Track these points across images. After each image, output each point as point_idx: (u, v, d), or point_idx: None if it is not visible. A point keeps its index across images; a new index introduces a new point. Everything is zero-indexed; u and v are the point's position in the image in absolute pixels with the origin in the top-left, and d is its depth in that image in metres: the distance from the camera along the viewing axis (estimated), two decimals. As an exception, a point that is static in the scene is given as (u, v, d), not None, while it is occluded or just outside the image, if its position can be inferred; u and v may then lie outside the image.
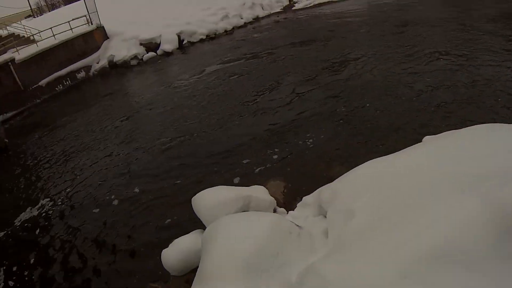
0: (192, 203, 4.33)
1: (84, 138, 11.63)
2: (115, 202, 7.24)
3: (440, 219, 2.52)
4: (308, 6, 24.95)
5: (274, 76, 11.45)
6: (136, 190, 7.38)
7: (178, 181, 7.21)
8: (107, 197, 7.49)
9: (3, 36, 21.54)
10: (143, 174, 7.91)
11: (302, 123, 8.08)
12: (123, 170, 8.41)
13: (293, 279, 3.17)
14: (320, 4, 24.69)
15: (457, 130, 3.91)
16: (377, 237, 2.76)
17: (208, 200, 4.17)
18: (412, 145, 4.00)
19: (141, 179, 7.75)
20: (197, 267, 4.06)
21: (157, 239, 5.77)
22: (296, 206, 4.47)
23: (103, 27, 21.78)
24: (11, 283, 5.99)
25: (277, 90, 10.29)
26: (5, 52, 19.46)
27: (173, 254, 4.12)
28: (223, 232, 3.36)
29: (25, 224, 7.72)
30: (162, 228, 6.04)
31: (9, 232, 7.64)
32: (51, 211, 7.82)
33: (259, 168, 6.77)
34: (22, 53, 19.08)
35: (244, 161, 7.08)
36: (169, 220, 6.20)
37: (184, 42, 21.27)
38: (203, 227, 4.38)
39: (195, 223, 5.05)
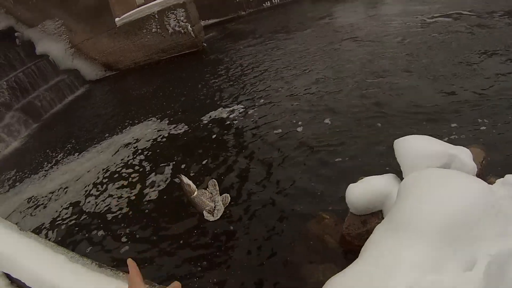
0: (394, 145, 4.08)
1: (282, 56, 11.99)
2: (300, 128, 7.42)
3: None
4: None
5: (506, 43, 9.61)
6: (327, 121, 7.43)
7: (372, 125, 6.97)
8: (293, 120, 7.70)
9: None
10: (336, 109, 7.88)
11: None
12: (316, 98, 8.48)
13: (480, 258, 3.04)
14: None
15: None
16: None
17: (413, 146, 3.88)
18: None
19: (333, 113, 7.74)
20: (378, 211, 4.11)
21: (338, 172, 5.86)
22: (492, 181, 4.01)
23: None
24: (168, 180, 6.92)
25: (504, 57, 8.74)
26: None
27: (361, 191, 4.08)
28: (428, 185, 3.20)
29: (210, 125, 8.56)
30: (346, 164, 6.06)
31: (191, 128, 8.63)
32: (238, 118, 8.45)
33: (463, 134, 6.11)
34: (235, -37, 20.00)
35: (452, 124, 6.36)
36: (355, 159, 6.13)
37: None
38: (394, 171, 4.27)
39: (382, 168, 5.18)
